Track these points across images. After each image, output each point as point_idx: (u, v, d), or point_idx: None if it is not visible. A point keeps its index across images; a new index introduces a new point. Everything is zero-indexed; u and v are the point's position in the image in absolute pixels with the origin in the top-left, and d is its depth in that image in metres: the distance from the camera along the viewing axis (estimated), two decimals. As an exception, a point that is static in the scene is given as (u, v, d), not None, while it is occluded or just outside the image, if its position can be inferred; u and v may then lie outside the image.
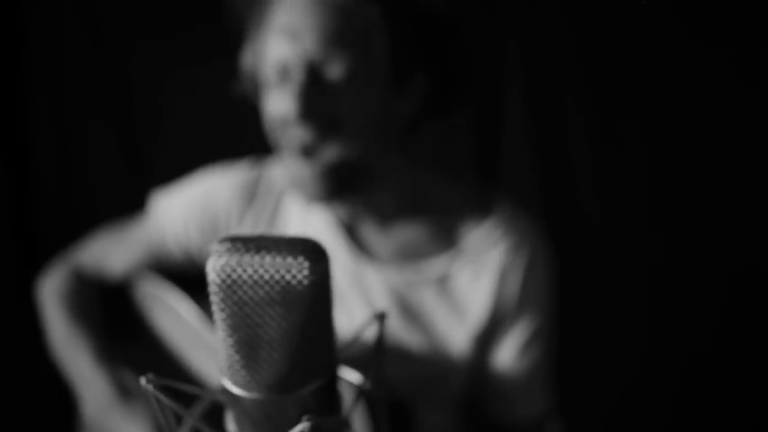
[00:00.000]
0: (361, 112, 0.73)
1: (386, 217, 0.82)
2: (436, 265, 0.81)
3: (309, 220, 0.83)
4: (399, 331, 0.81)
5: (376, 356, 0.43)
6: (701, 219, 1.58)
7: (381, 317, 0.42)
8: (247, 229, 0.84)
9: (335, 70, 0.71)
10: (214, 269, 0.35)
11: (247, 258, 0.35)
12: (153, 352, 0.89)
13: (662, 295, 1.62)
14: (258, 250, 0.35)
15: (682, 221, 1.59)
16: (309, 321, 0.36)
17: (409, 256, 0.82)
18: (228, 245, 0.36)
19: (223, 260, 0.35)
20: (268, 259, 0.35)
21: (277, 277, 0.35)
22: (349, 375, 0.44)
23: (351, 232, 0.83)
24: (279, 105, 0.72)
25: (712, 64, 1.50)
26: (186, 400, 0.53)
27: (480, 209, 0.83)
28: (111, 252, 0.90)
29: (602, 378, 1.64)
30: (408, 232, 0.83)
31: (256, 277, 0.35)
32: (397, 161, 0.81)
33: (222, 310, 0.35)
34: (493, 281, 0.81)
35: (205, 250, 0.86)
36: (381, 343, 0.43)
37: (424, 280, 0.81)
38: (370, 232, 0.82)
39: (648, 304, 1.63)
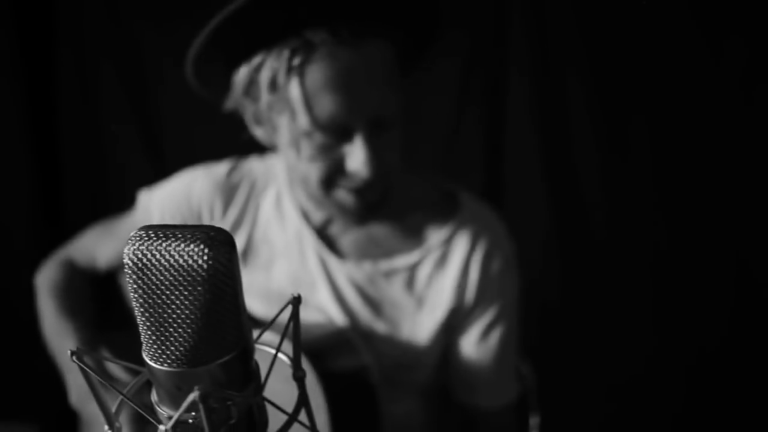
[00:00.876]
0: (399, 149, 0.78)
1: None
2: (403, 260, 0.85)
3: (284, 219, 0.88)
4: (366, 321, 0.85)
5: (293, 337, 0.47)
6: (706, 219, 1.57)
7: (296, 301, 0.46)
8: (230, 223, 0.90)
9: (389, 118, 0.74)
10: (127, 254, 0.39)
11: (155, 244, 0.39)
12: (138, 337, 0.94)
13: (667, 295, 1.62)
14: (167, 238, 0.39)
15: (686, 222, 1.59)
16: (212, 302, 0.40)
17: (376, 252, 0.86)
18: (142, 233, 0.40)
19: (135, 246, 0.39)
20: (173, 245, 0.39)
21: (180, 262, 0.39)
22: (265, 349, 0.48)
23: (321, 231, 0.87)
24: (330, 162, 0.73)
25: (718, 65, 1.50)
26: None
27: (446, 206, 0.87)
28: (100, 244, 0.96)
29: (605, 378, 1.64)
30: (376, 231, 0.87)
31: (163, 261, 0.39)
32: None
33: (135, 291, 0.40)
34: (455, 274, 0.85)
35: None
36: (297, 325, 0.46)
37: (389, 275, 0.85)
38: (339, 230, 0.87)
39: (652, 304, 1.63)
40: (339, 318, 0.86)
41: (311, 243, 0.86)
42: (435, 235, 0.86)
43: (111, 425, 0.44)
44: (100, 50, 1.62)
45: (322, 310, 0.87)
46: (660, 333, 1.63)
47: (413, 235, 0.87)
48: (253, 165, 0.93)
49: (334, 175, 0.75)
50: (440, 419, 0.95)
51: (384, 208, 0.82)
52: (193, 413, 0.41)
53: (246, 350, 0.43)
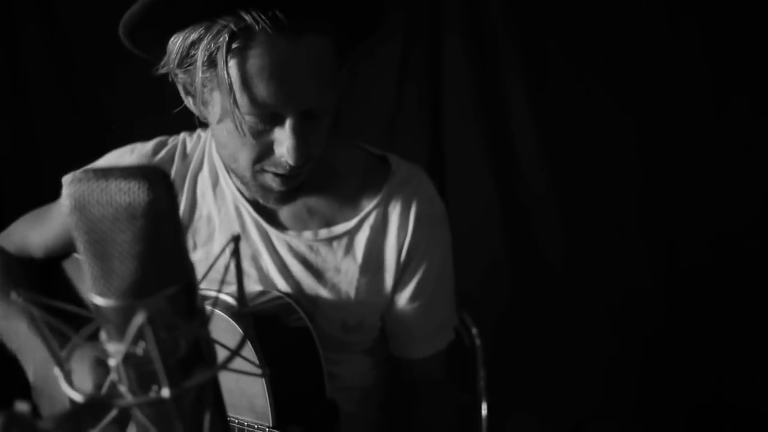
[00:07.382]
0: (327, 136, 0.81)
1: None
2: (341, 227, 0.89)
3: (221, 194, 0.90)
4: (310, 288, 0.89)
5: (237, 277, 0.50)
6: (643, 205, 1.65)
7: (236, 239, 0.49)
8: None
9: (321, 110, 0.76)
10: (67, 195, 0.41)
11: (93, 184, 0.41)
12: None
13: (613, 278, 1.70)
14: (106, 177, 0.42)
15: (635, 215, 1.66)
16: (153, 235, 0.42)
17: (316, 222, 0.89)
18: (80, 175, 0.42)
19: (74, 187, 0.41)
20: (112, 183, 0.41)
21: (118, 197, 0.41)
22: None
23: (258, 204, 0.89)
24: (260, 144, 0.75)
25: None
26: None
27: (378, 171, 0.91)
28: (32, 232, 0.96)
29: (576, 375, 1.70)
30: (313, 201, 0.90)
31: (102, 198, 0.41)
32: None
33: (78, 229, 0.42)
34: (393, 235, 0.89)
35: None
36: (239, 264, 0.49)
37: (330, 242, 0.88)
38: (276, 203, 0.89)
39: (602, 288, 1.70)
40: (284, 288, 0.89)
41: (251, 216, 0.89)
42: (370, 200, 0.90)
43: (61, 365, 0.46)
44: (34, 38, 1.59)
45: (267, 281, 0.89)
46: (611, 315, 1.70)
47: (350, 202, 0.90)
48: (184, 141, 0.94)
49: (262, 157, 0.77)
50: (390, 376, 0.99)
51: (301, 191, 0.84)
52: (142, 345, 0.43)
53: (190, 284, 0.46)
